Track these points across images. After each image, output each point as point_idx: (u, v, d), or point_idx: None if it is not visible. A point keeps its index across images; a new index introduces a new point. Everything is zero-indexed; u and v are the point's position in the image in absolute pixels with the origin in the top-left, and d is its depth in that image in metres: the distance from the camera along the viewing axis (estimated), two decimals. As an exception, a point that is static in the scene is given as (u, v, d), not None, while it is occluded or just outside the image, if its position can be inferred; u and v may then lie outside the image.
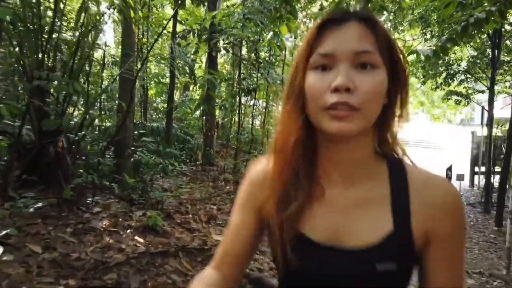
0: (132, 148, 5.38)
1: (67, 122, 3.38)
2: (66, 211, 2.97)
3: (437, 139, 23.24)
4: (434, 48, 3.37)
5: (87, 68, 3.97)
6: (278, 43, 3.93)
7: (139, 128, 7.20)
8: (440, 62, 8.93)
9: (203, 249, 3.17)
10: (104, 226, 2.97)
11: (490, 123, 7.15)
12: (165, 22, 7.77)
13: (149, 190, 4.15)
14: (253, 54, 5.77)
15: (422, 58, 3.34)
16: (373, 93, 0.53)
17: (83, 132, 3.48)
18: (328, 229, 0.59)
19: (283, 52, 6.21)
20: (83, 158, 3.75)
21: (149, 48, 5.16)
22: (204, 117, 6.50)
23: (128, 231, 3.02)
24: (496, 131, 8.47)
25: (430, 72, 9.53)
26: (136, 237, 2.92)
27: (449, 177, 7.85)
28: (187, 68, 6.97)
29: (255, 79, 5.88)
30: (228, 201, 5.04)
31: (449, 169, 7.91)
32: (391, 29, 11.26)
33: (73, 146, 3.55)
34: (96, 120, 5.73)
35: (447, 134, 25.27)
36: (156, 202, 3.93)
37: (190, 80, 7.42)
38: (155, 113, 9.92)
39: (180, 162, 6.75)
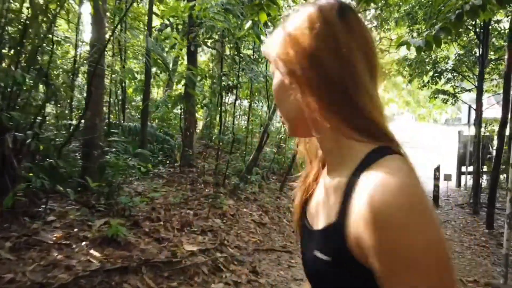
0: (106, 149, 4.97)
1: (17, 119, 2.95)
2: (9, 221, 2.56)
3: (422, 139, 23.37)
4: (426, 38, 3.10)
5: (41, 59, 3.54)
6: (258, 33, 3.59)
7: (115, 127, 6.77)
8: (427, 60, 8.77)
9: (171, 262, 2.80)
10: (54, 238, 2.57)
11: (478, 122, 6.99)
12: (144, 17, 7.38)
13: (116, 195, 3.75)
14: (234, 48, 5.43)
15: (408, 58, 3.05)
16: (275, 98, 0.62)
17: (34, 130, 3.05)
18: (312, 213, 0.65)
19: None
20: (37, 159, 3.33)
21: (119, 40, 4.75)
22: (182, 116, 6.11)
23: (83, 243, 2.62)
24: (485, 131, 8.34)
25: (416, 70, 9.37)
26: (91, 251, 2.53)
27: (437, 177, 7.67)
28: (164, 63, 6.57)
29: (237, 76, 5.53)
30: (206, 205, 4.68)
31: (437, 169, 7.74)
32: (378, 27, 11.11)
33: (28, 147, 3.14)
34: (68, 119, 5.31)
35: (432, 134, 25.45)
36: (123, 208, 3.54)
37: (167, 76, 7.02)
38: (136, 112, 9.47)
39: (157, 163, 6.34)
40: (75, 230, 2.79)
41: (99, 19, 4.51)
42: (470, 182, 9.65)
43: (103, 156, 4.47)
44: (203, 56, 12.33)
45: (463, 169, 9.92)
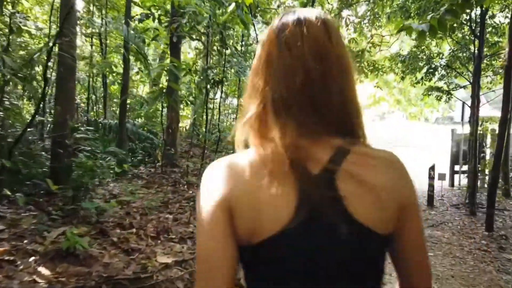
0: (79, 148, 4.53)
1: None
2: None
3: (414, 137, 23.30)
4: (430, 22, 2.77)
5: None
6: (242, 17, 3.21)
7: (94, 125, 6.31)
8: (420, 56, 8.50)
9: (139, 279, 2.40)
10: (-4, 253, 2.16)
11: (475, 120, 6.73)
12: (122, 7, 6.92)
13: (83, 199, 3.33)
14: (219, 39, 5.04)
15: (401, 54, 2.71)
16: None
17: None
18: None
19: (253, 34, 5.51)
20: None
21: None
22: (164, 113, 5.69)
23: (31, 259, 2.21)
24: (481, 129, 8.10)
25: (409, 67, 9.11)
26: (40, 268, 2.12)
27: (431, 177, 7.40)
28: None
29: (223, 69, 5.14)
30: (188, 209, 4.28)
31: (432, 168, 7.47)
32: (369, 24, 10.83)
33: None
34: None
35: (423, 132, 25.45)
36: (89, 214, 3.13)
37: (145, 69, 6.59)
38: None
39: (138, 163, 5.92)
40: (25, 242, 2.37)
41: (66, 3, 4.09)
42: (463, 181, 9.46)
43: (72, 155, 4.04)
44: (191, 53, 11.89)
45: (456, 168, 9.72)
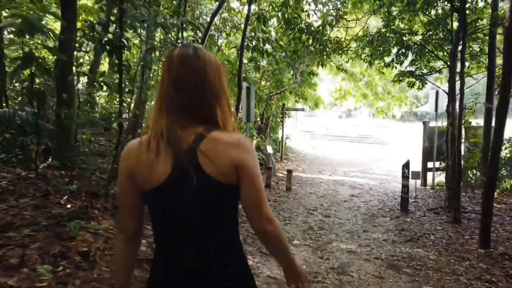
0: None
1: None
2: None
3: (380, 134, 22.68)
4: None
5: None
6: None
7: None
8: (391, 35, 7.30)
9: None
10: None
11: (457, 109, 5.57)
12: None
13: None
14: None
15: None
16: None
17: None
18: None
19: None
20: None
21: None
22: (28, 86, 3.96)
23: None
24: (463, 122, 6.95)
25: (379, 48, 7.91)
26: None
27: (406, 175, 6.19)
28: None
29: (120, 25, 3.52)
30: (55, 234, 2.65)
31: (406, 166, 6.25)
32: (334, 9, 9.56)
33: None
34: None
35: (391, 129, 24.97)
36: None
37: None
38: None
39: (7, 161, 4.16)
40: None
41: None
42: (437, 179, 8.44)
43: None
44: None
45: (429, 164, 8.68)
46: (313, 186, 8.42)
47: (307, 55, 11.44)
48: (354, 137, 22.17)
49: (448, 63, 6.53)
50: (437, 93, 8.01)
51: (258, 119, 11.40)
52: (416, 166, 11.25)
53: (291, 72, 11.74)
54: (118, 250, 1.07)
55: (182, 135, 0.94)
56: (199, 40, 5.67)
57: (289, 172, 7.73)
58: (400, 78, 7.23)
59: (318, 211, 5.96)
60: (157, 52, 5.84)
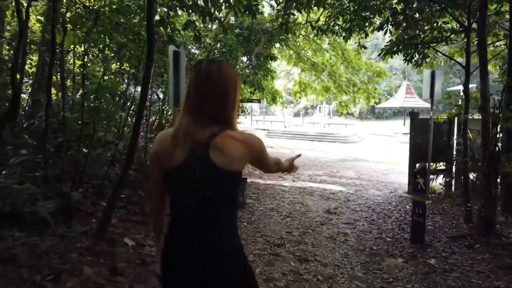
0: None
1: None
2: None
3: (343, 132, 21.25)
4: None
5: None
6: None
7: None
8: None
9: None
10: None
11: (465, 95, 3.62)
12: None
13: None
14: None
15: None
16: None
17: None
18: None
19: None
20: None
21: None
22: None
23: None
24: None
25: (358, 17, 5.89)
26: None
27: (420, 188, 4.11)
28: None
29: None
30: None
31: (421, 173, 4.18)
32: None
33: None
34: None
35: (352, 127, 23.65)
36: None
37: None
38: None
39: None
40: None
41: None
42: (432, 184, 6.63)
43: None
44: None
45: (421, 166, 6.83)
46: (274, 198, 6.18)
47: (263, 33, 9.33)
48: (314, 135, 20.48)
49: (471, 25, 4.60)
50: (433, 74, 6.14)
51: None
52: (399, 168, 9.53)
53: (245, 56, 9.67)
54: (150, 211, 1.46)
55: (199, 132, 1.19)
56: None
57: (243, 180, 5.41)
58: (393, 49, 5.21)
59: (287, 248, 3.71)
60: None
